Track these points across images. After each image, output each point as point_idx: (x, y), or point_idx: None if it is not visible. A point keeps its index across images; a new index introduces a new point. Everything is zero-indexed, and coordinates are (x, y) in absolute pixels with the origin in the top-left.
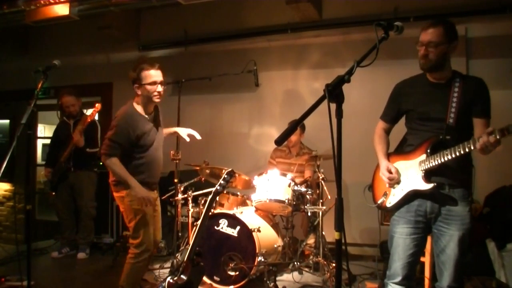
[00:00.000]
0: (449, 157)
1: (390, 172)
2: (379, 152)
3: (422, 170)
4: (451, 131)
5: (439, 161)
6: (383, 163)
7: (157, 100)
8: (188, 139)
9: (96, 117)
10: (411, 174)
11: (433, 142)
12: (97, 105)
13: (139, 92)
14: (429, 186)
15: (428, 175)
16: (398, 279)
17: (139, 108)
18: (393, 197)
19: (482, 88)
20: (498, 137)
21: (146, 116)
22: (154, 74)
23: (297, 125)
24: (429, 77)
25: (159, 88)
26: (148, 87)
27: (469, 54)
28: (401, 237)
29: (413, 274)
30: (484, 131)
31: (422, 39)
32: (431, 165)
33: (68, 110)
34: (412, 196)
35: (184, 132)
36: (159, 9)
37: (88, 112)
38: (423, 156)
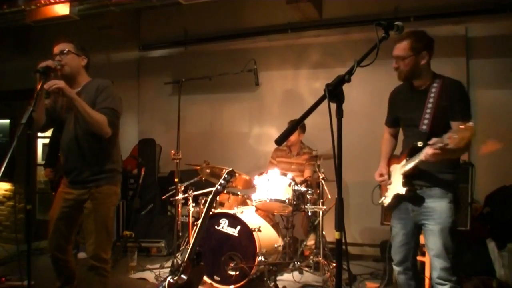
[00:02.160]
0: (416, 162)
1: (381, 175)
2: (381, 155)
3: (401, 175)
4: (424, 137)
5: (411, 166)
6: (380, 166)
7: (59, 72)
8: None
9: None
10: (397, 178)
11: (411, 149)
12: None
13: None
14: (403, 190)
15: (408, 178)
16: (395, 262)
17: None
18: (387, 198)
19: (457, 90)
20: (437, 151)
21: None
22: (54, 49)
23: (297, 125)
24: (413, 83)
25: (57, 58)
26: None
27: (469, 54)
28: (395, 231)
29: (407, 260)
30: (430, 142)
31: (393, 53)
32: (406, 169)
33: None
34: (397, 198)
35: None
36: (159, 9)
37: None
38: (404, 161)
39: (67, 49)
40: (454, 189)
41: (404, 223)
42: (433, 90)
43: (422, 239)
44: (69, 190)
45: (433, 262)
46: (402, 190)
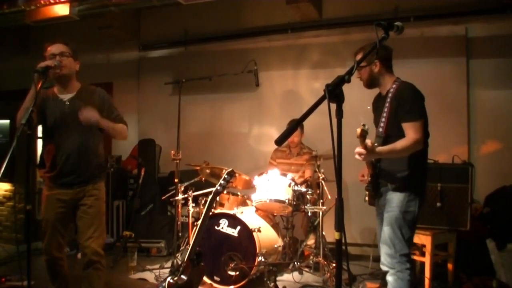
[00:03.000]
0: (372, 163)
1: (362, 176)
2: None
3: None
4: (380, 139)
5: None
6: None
7: (58, 71)
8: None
9: None
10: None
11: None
12: None
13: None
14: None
15: (372, 177)
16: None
17: (56, 88)
18: (366, 196)
19: (405, 92)
20: (358, 153)
21: (60, 95)
22: (52, 47)
23: (297, 125)
24: (379, 90)
25: (57, 58)
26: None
27: (469, 54)
28: (378, 228)
29: None
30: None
31: None
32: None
33: None
34: (370, 196)
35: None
36: (159, 9)
37: None
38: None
39: (67, 51)
40: (412, 186)
41: (380, 218)
42: (389, 94)
43: (421, 239)
44: (63, 191)
45: (380, 248)
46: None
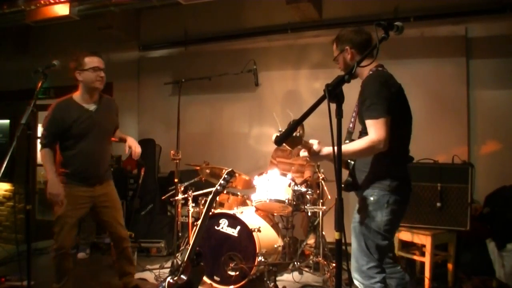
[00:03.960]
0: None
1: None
2: None
3: None
4: (350, 136)
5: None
6: None
7: (100, 86)
8: (126, 151)
9: None
10: None
11: None
12: None
13: (80, 79)
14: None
15: (349, 177)
16: None
17: (77, 97)
18: None
19: (366, 85)
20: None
21: (84, 104)
22: (96, 60)
23: (297, 125)
24: None
25: (101, 73)
26: (91, 71)
27: (469, 54)
28: None
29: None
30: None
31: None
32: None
33: None
34: None
35: (128, 142)
36: (159, 9)
37: None
38: None
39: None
40: (377, 189)
41: None
42: (361, 88)
43: (421, 239)
44: (86, 188)
45: None
46: None
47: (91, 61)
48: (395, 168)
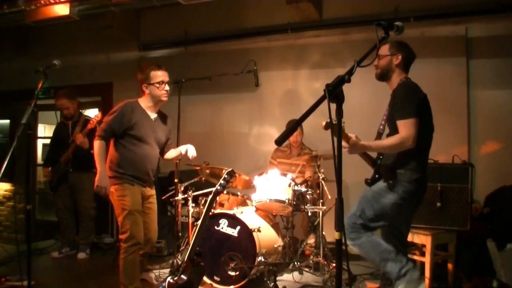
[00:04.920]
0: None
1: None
2: None
3: None
4: (379, 137)
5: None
6: None
7: (165, 99)
8: (190, 156)
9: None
10: None
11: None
12: (98, 113)
13: (147, 92)
14: None
15: (375, 173)
16: None
17: (143, 103)
18: None
19: (398, 90)
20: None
21: (148, 112)
22: (161, 74)
23: (297, 125)
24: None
25: (167, 87)
26: (157, 85)
27: (469, 54)
28: None
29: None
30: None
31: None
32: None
33: (63, 113)
34: None
35: (183, 148)
36: (159, 9)
37: (88, 112)
38: None
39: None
40: (397, 179)
41: None
42: (392, 95)
43: (421, 239)
44: (145, 188)
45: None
46: None
47: (156, 75)
48: (417, 165)
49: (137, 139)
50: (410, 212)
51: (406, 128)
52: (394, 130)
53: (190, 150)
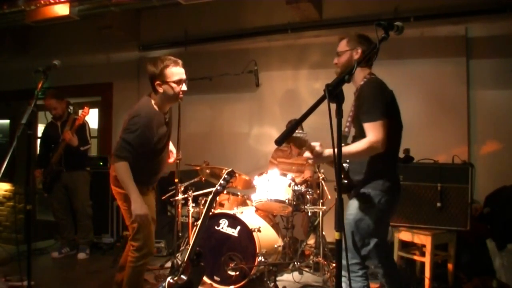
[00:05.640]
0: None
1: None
2: None
3: None
4: (344, 140)
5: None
6: None
7: (181, 99)
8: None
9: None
10: None
11: None
12: (85, 109)
13: (160, 90)
14: None
15: (345, 179)
16: None
17: (157, 105)
18: None
19: (364, 90)
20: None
21: (163, 117)
22: (180, 72)
23: (297, 125)
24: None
25: (184, 86)
26: (173, 85)
27: (469, 54)
28: None
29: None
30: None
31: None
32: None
33: (51, 113)
34: None
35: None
36: (159, 9)
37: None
38: None
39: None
40: (369, 190)
41: None
42: (356, 92)
43: (421, 239)
44: (151, 193)
45: None
46: None
47: (174, 72)
48: (388, 170)
49: (158, 151)
50: (390, 218)
51: (374, 131)
52: (361, 132)
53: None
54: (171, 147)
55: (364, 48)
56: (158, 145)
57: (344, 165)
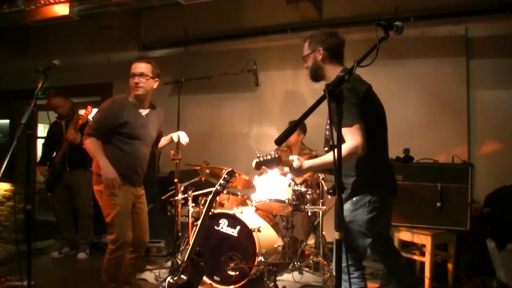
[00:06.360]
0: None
1: None
2: None
3: None
4: (327, 143)
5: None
6: None
7: (136, 92)
8: (183, 142)
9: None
10: None
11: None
12: (88, 107)
13: None
14: None
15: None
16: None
17: (132, 100)
18: None
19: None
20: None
21: (139, 109)
22: (133, 66)
23: (296, 125)
24: None
25: (135, 79)
26: (130, 78)
27: (469, 54)
28: None
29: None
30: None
31: None
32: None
33: (57, 112)
34: None
35: (175, 136)
36: (159, 9)
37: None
38: None
39: (147, 73)
40: (358, 191)
41: None
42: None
43: (421, 239)
44: (135, 188)
45: None
46: None
47: (131, 67)
48: (378, 169)
49: (128, 138)
50: (383, 218)
51: (351, 136)
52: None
53: (182, 137)
54: (178, 133)
55: (326, 46)
56: (127, 129)
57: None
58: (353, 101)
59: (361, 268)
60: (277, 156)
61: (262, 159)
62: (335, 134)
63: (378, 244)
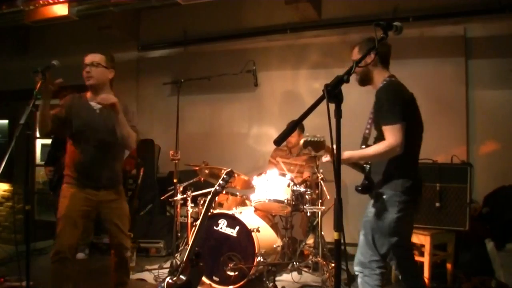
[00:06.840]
0: (358, 165)
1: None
2: None
3: None
4: (365, 141)
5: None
6: None
7: (88, 82)
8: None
9: None
10: None
11: None
12: None
13: None
14: None
15: (365, 179)
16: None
17: (89, 95)
18: None
19: (381, 93)
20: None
21: (91, 103)
22: (85, 58)
23: (296, 125)
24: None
25: (87, 68)
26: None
27: (468, 54)
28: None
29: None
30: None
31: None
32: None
33: None
34: None
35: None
36: (158, 9)
37: None
38: None
39: (97, 62)
40: (390, 190)
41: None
42: (376, 97)
43: (420, 239)
44: (92, 191)
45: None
46: None
47: (85, 61)
48: (408, 170)
49: (79, 135)
50: (411, 218)
51: (392, 134)
52: (381, 134)
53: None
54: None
55: (377, 50)
56: (75, 125)
57: (365, 166)
58: (398, 102)
59: (383, 267)
60: (322, 140)
61: (310, 139)
62: (334, 135)
63: (400, 248)
